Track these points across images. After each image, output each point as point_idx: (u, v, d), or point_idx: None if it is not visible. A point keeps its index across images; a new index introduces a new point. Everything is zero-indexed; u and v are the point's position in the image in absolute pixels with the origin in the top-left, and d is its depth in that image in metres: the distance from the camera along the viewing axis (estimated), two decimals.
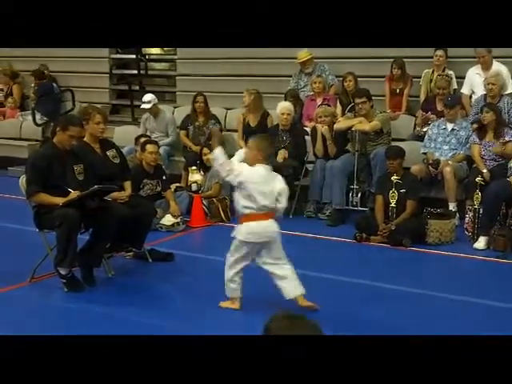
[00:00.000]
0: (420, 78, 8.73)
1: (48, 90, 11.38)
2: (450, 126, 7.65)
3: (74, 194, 5.37)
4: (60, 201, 5.31)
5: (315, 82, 8.96)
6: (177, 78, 11.31)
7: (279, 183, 4.93)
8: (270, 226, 4.88)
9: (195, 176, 8.14)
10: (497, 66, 8.11)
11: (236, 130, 9.21)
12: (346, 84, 8.80)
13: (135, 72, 11.60)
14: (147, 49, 11.84)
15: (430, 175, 7.49)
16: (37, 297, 5.41)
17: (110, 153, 6.14)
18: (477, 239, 6.74)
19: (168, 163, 9.02)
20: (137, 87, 11.36)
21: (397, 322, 4.77)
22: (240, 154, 5.03)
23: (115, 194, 5.88)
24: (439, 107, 8.04)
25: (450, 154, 7.58)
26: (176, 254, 6.39)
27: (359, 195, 7.82)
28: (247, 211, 4.83)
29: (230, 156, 5.01)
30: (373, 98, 8.01)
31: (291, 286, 4.88)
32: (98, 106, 7.71)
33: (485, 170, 7.05)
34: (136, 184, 6.80)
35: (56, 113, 10.82)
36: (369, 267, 6.21)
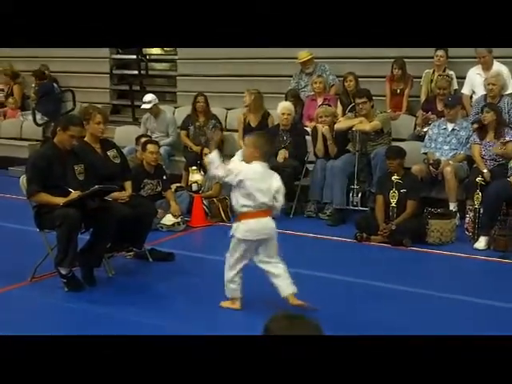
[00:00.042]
0: (420, 78, 8.74)
1: (49, 90, 11.40)
2: (450, 126, 7.65)
3: (74, 193, 5.37)
4: (60, 201, 5.32)
5: (316, 82, 8.96)
6: (177, 78, 11.32)
7: (276, 181, 4.94)
8: (268, 223, 4.90)
9: (196, 176, 8.15)
10: (497, 66, 8.11)
11: (236, 130, 9.21)
12: (346, 84, 8.81)
13: (136, 72, 11.60)
14: (148, 49, 11.85)
15: (431, 175, 7.49)
16: (37, 296, 5.42)
17: (111, 153, 6.15)
18: (477, 239, 6.74)
19: (168, 163, 9.03)
20: (137, 87, 11.36)
21: (397, 322, 4.76)
22: (240, 154, 5.04)
23: (116, 194, 5.88)
24: (440, 107, 8.04)
25: (450, 154, 7.57)
26: (176, 254, 6.40)
27: (360, 195, 7.83)
28: (245, 209, 4.84)
29: (231, 156, 5.01)
30: (373, 98, 8.02)
31: (285, 285, 4.90)
32: (99, 106, 7.71)
33: (485, 170, 7.05)
34: (137, 184, 6.80)
35: (56, 113, 10.83)
36: (369, 267, 6.20)
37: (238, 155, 5.02)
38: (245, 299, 5.02)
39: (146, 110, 9.56)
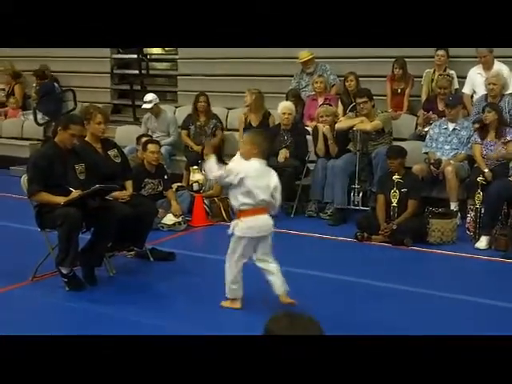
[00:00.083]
0: (421, 77, 8.73)
1: (49, 90, 11.41)
2: (451, 126, 7.64)
3: (75, 193, 5.37)
4: (61, 200, 5.32)
5: (316, 82, 8.96)
6: (178, 77, 11.32)
7: (273, 178, 4.95)
8: (267, 220, 4.92)
9: (196, 175, 8.14)
10: (498, 65, 8.10)
11: (237, 130, 9.21)
12: (347, 84, 8.80)
13: (136, 72, 11.61)
14: (148, 49, 11.84)
15: (432, 175, 7.48)
16: (38, 296, 5.42)
17: (112, 152, 6.15)
18: (478, 239, 6.74)
19: (169, 163, 9.04)
20: (138, 87, 11.37)
21: (398, 322, 4.76)
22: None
23: (117, 194, 5.88)
24: (440, 107, 8.04)
25: (451, 154, 7.57)
26: (177, 254, 6.40)
27: (361, 195, 7.83)
28: (245, 207, 4.84)
29: (231, 156, 5.01)
30: (374, 97, 8.01)
31: (280, 283, 4.92)
32: (100, 105, 7.71)
33: (486, 170, 7.04)
34: (137, 183, 6.80)
35: (57, 112, 10.83)
36: (370, 267, 6.20)
37: (239, 155, 5.02)
38: (245, 299, 5.02)
39: (146, 110, 9.57)
